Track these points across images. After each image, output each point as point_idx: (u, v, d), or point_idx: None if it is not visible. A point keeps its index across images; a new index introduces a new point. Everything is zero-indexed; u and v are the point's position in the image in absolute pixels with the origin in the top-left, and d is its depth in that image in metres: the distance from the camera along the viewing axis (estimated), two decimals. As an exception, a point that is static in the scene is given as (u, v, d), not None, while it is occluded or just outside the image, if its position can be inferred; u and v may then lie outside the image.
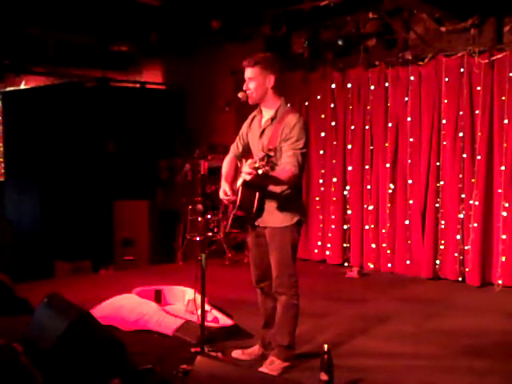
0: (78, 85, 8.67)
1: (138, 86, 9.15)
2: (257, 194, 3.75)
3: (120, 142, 8.56)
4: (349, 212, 7.35)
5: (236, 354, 4.14)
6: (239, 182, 3.83)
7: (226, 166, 4.07)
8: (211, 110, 8.47)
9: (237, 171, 4.04)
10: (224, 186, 3.92)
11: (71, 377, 3.34)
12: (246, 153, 3.99)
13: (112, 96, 8.60)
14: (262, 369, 3.79)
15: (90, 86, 8.62)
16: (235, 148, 4.11)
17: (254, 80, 3.78)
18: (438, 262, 6.61)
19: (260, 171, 3.37)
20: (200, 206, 3.91)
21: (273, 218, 3.81)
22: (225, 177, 4.00)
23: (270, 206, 3.80)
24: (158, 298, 5.30)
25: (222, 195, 3.92)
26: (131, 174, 8.52)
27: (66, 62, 8.49)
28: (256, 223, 3.87)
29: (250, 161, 3.54)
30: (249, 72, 3.79)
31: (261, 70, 3.77)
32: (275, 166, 3.53)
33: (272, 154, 3.38)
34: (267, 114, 3.88)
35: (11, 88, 9.29)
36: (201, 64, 8.76)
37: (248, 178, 3.46)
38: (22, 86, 9.31)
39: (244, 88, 3.82)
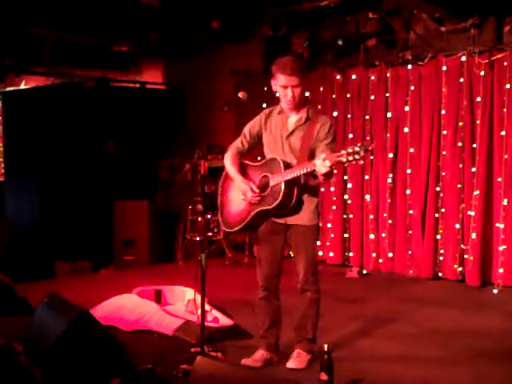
0: (78, 85, 8.67)
1: (138, 85, 9.15)
2: (295, 190, 3.74)
3: (120, 142, 8.56)
4: (349, 213, 7.34)
5: (247, 361, 3.94)
6: (275, 180, 3.71)
7: (233, 166, 3.93)
8: (211, 110, 8.46)
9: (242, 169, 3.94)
10: (249, 184, 3.82)
11: (71, 377, 3.34)
12: (251, 150, 3.99)
13: (112, 96, 8.60)
14: (291, 362, 3.89)
15: (90, 85, 8.61)
16: (239, 146, 3.96)
17: (298, 87, 3.78)
18: (437, 262, 6.61)
19: (346, 165, 3.41)
20: (200, 206, 3.90)
21: (303, 215, 3.84)
22: (239, 174, 3.89)
23: (303, 203, 3.84)
24: (158, 298, 5.29)
25: (249, 194, 3.79)
26: (131, 174, 8.51)
27: (66, 62, 8.48)
28: (282, 220, 3.87)
29: (323, 155, 3.46)
30: (293, 80, 3.75)
31: (302, 76, 3.79)
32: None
33: (370, 148, 3.41)
34: (297, 114, 3.87)
35: (11, 88, 9.27)
36: (201, 64, 8.76)
37: (324, 170, 3.44)
38: (22, 86, 9.29)
39: (288, 97, 3.77)
